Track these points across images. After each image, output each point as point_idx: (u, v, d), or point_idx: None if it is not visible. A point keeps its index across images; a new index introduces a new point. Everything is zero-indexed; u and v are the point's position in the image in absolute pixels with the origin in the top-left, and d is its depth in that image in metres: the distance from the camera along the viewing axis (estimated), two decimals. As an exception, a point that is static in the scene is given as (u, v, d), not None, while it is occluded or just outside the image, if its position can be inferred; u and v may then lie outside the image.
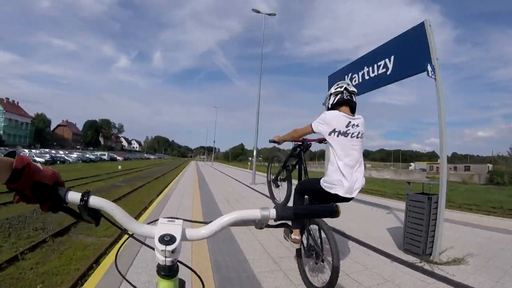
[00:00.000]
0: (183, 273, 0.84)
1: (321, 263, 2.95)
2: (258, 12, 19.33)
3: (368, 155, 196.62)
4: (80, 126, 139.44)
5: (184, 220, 0.85)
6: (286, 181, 3.65)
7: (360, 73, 5.88)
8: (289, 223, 1.00)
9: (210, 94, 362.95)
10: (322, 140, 3.35)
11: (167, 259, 0.76)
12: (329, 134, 2.73)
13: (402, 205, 6.93)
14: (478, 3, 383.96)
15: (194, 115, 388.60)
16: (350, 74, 6.26)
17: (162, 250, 0.74)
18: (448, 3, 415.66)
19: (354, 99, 2.88)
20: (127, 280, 0.95)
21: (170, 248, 0.74)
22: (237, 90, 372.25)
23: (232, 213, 0.86)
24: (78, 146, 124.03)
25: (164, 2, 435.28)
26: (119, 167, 34.67)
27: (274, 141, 3.39)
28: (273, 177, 4.01)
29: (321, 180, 2.83)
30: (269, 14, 19.69)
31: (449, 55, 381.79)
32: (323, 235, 2.93)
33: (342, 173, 2.67)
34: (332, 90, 2.93)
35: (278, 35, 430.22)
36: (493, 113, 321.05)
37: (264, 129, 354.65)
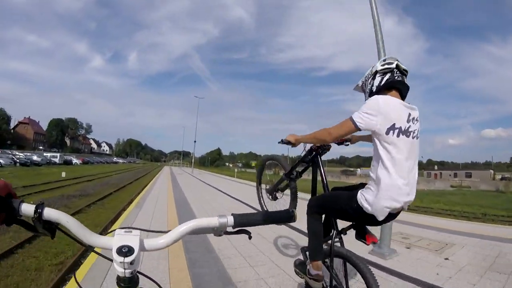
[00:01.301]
0: (143, 281, 0.83)
1: None
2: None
3: (345, 162, 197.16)
4: (45, 126, 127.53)
5: (142, 230, 0.83)
6: (290, 194, 2.92)
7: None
8: (248, 229, 0.93)
9: (185, 98, 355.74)
10: (343, 142, 2.70)
11: (126, 270, 0.75)
12: (387, 133, 1.89)
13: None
14: (449, 17, 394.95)
15: (168, 119, 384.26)
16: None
17: (120, 262, 0.74)
18: (421, 16, 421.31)
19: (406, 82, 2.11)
20: None
21: (128, 259, 0.74)
22: (212, 94, 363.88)
23: (191, 221, 0.87)
24: (40, 147, 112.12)
25: (140, 2, 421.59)
26: (63, 174, 26.17)
27: (288, 142, 2.49)
28: (269, 187, 3.23)
29: (358, 196, 2.01)
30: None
31: (421, 66, 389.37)
32: (351, 270, 2.14)
33: (399, 190, 1.91)
34: (378, 66, 2.10)
35: (254, 41, 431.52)
36: (462, 122, 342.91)
37: (236, 134, 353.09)
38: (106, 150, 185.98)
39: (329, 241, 2.22)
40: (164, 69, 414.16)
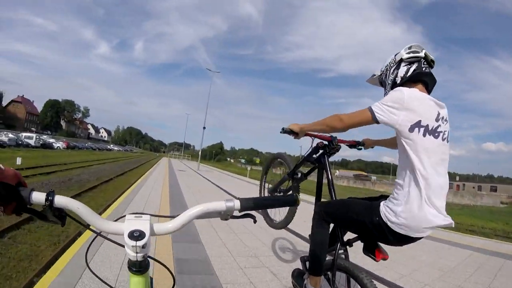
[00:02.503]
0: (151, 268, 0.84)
1: None
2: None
3: (347, 165, 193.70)
4: (41, 107, 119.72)
5: (151, 215, 0.84)
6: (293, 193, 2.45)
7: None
8: (253, 213, 0.95)
9: (188, 90, 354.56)
10: (355, 145, 2.53)
11: (138, 254, 0.76)
12: (411, 130, 1.64)
13: None
14: (458, 28, 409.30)
15: (170, 110, 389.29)
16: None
17: (132, 246, 0.75)
18: (430, 25, 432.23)
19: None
20: (99, 278, 0.92)
21: (140, 243, 0.75)
22: (215, 88, 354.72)
23: (198, 205, 0.88)
24: (32, 128, 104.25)
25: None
26: (18, 161, 17.73)
27: (290, 132, 2.23)
28: (271, 187, 3.03)
29: (382, 209, 1.72)
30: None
31: None
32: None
33: (428, 202, 1.62)
34: (404, 54, 1.83)
35: (261, 38, 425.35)
36: (463, 133, 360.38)
37: (238, 130, 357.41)
38: (104, 137, 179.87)
39: (333, 252, 1.99)
40: (169, 60, 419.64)
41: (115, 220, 0.85)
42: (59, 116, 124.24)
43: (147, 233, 0.77)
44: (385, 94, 1.88)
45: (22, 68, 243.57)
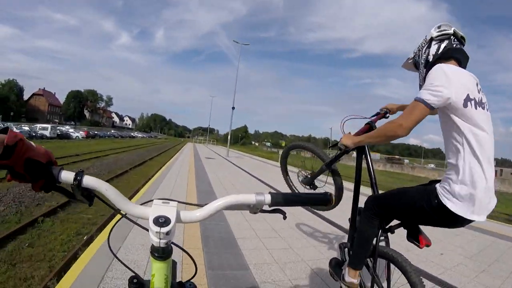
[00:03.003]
0: (175, 253, 0.83)
1: None
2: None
3: (372, 147, 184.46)
4: (63, 99, 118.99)
5: (179, 202, 0.84)
6: (335, 186, 2.46)
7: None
8: (283, 209, 0.92)
9: (211, 75, 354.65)
10: (384, 115, 2.45)
11: (161, 241, 0.74)
12: (465, 105, 1.62)
13: None
14: (485, 5, 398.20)
15: (193, 95, 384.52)
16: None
17: (156, 232, 0.73)
18: (456, 2, 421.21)
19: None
20: (118, 259, 0.90)
21: (164, 230, 0.73)
22: (239, 72, 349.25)
23: (227, 196, 0.86)
24: (56, 120, 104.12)
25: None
26: None
27: (345, 148, 2.07)
28: (305, 179, 2.66)
29: (439, 191, 1.67)
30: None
31: None
32: (396, 278, 1.94)
33: (488, 181, 1.61)
34: (434, 33, 1.87)
35: (282, 19, 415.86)
36: (492, 116, 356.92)
37: (261, 113, 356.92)
38: (129, 124, 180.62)
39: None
40: (190, 46, 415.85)
41: (142, 204, 0.84)
42: (82, 106, 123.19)
43: (173, 220, 0.75)
44: (420, 74, 1.92)
45: (45, 63, 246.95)
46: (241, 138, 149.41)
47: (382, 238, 1.95)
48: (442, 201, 1.61)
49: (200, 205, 0.87)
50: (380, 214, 1.90)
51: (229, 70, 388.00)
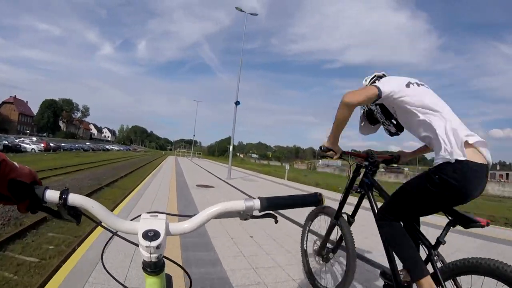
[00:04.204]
0: (169, 267, 0.82)
1: None
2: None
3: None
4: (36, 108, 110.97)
5: (168, 214, 0.81)
6: (347, 248, 2.34)
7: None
8: (274, 213, 0.93)
9: (194, 87, 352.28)
10: (391, 159, 2.50)
11: (152, 255, 0.73)
12: (407, 85, 1.96)
13: None
14: (463, 13, 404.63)
15: (176, 107, 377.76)
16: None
17: (146, 247, 0.72)
18: (434, 11, 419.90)
19: None
20: (114, 278, 0.89)
21: (154, 244, 0.72)
22: (222, 83, 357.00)
23: (217, 205, 0.84)
24: (27, 131, 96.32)
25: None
26: None
27: (327, 150, 2.22)
28: (315, 249, 2.69)
29: (433, 166, 1.79)
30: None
31: (433, 62, 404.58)
32: None
33: (459, 130, 1.75)
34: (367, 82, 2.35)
35: (265, 31, 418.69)
36: (471, 120, 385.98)
37: (245, 124, 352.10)
38: (108, 137, 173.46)
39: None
40: (174, 57, 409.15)
41: (131, 220, 0.82)
42: (56, 116, 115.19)
43: (162, 233, 0.74)
44: (380, 119, 2.34)
45: (28, 73, 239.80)
46: (224, 151, 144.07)
47: (435, 258, 1.77)
48: (442, 176, 1.67)
49: (189, 216, 0.85)
50: (397, 216, 1.94)
51: (212, 81, 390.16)
